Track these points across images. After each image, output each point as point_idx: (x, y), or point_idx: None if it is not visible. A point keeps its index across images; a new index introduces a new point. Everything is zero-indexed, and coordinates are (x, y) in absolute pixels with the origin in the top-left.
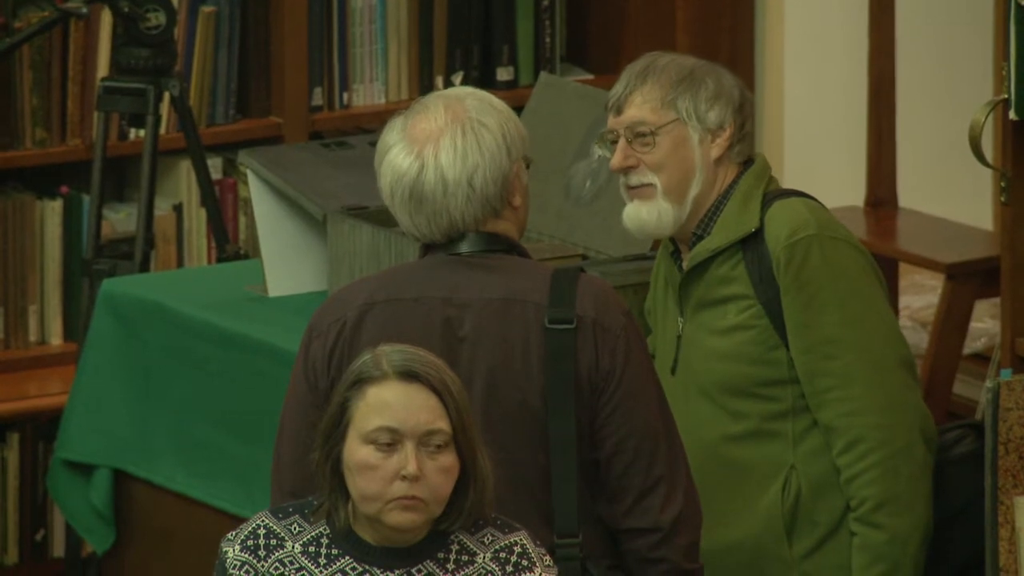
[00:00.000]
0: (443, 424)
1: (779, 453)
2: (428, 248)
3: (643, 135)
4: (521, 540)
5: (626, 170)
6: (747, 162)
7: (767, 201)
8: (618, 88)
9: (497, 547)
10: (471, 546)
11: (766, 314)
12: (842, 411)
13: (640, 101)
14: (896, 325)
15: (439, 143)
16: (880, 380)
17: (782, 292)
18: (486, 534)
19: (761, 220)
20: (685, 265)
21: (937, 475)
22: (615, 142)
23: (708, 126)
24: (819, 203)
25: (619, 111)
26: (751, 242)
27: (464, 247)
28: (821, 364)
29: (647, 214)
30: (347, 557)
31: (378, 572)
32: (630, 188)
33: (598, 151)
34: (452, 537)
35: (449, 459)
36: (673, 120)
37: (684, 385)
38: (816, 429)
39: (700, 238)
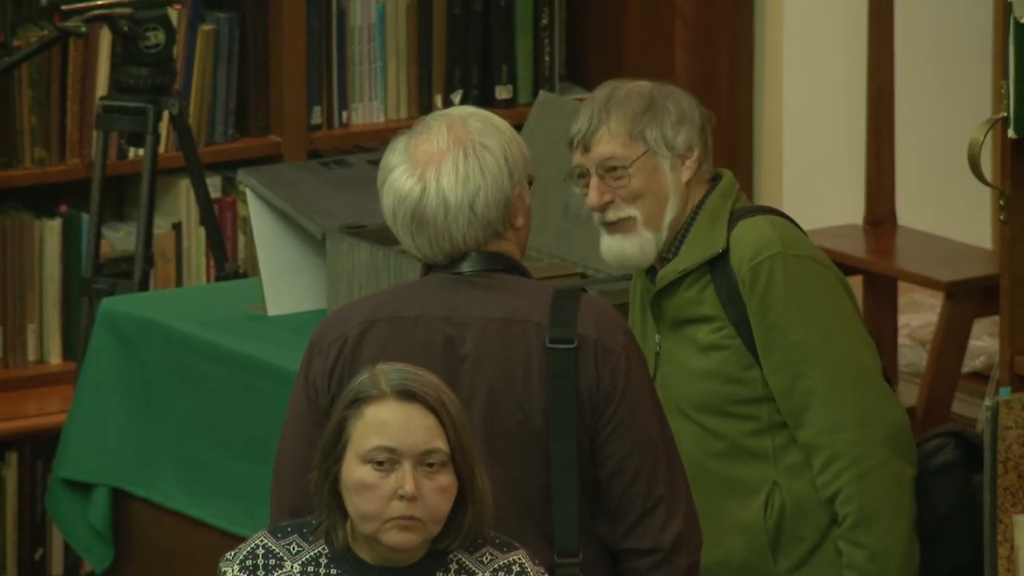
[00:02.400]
0: (441, 443)
1: (760, 470)
2: (429, 267)
3: (615, 169)
4: (520, 559)
5: (603, 207)
6: (713, 179)
7: (733, 220)
8: (582, 124)
9: (496, 566)
10: (470, 565)
11: (737, 334)
12: (817, 429)
13: (608, 136)
14: (867, 338)
15: (441, 166)
16: (852, 396)
17: (749, 313)
18: (485, 553)
19: (727, 240)
20: (655, 285)
21: (918, 485)
22: (583, 176)
23: (678, 151)
24: (786, 219)
25: (587, 148)
26: (718, 263)
27: (465, 267)
28: (792, 383)
29: (630, 247)
30: None
31: None
32: (608, 223)
33: (574, 189)
34: (451, 556)
35: (447, 478)
36: (644, 152)
37: (664, 402)
38: (796, 445)
39: (668, 260)
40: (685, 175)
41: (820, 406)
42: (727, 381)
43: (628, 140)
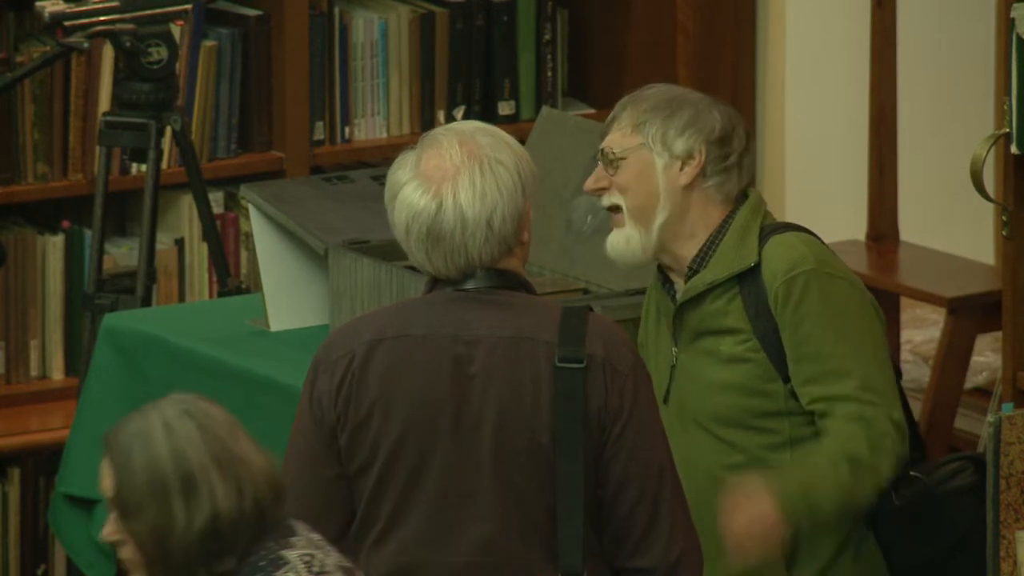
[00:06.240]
0: (108, 485)
1: None
2: (436, 282)
3: (612, 159)
4: None
5: (599, 192)
6: (742, 196)
7: (764, 235)
8: (610, 116)
9: None
10: None
11: (762, 348)
12: (847, 418)
13: (617, 127)
14: (890, 365)
15: (457, 181)
16: (883, 405)
17: (780, 327)
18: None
19: (758, 255)
20: (679, 296)
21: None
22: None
23: (675, 153)
24: (816, 237)
25: (604, 135)
26: (748, 277)
27: (473, 283)
28: (825, 391)
29: (615, 239)
30: None
31: None
32: (609, 213)
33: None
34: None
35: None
36: (638, 144)
37: (678, 415)
38: None
39: (696, 272)
40: (683, 180)
41: (851, 402)
42: (749, 394)
43: (629, 132)
